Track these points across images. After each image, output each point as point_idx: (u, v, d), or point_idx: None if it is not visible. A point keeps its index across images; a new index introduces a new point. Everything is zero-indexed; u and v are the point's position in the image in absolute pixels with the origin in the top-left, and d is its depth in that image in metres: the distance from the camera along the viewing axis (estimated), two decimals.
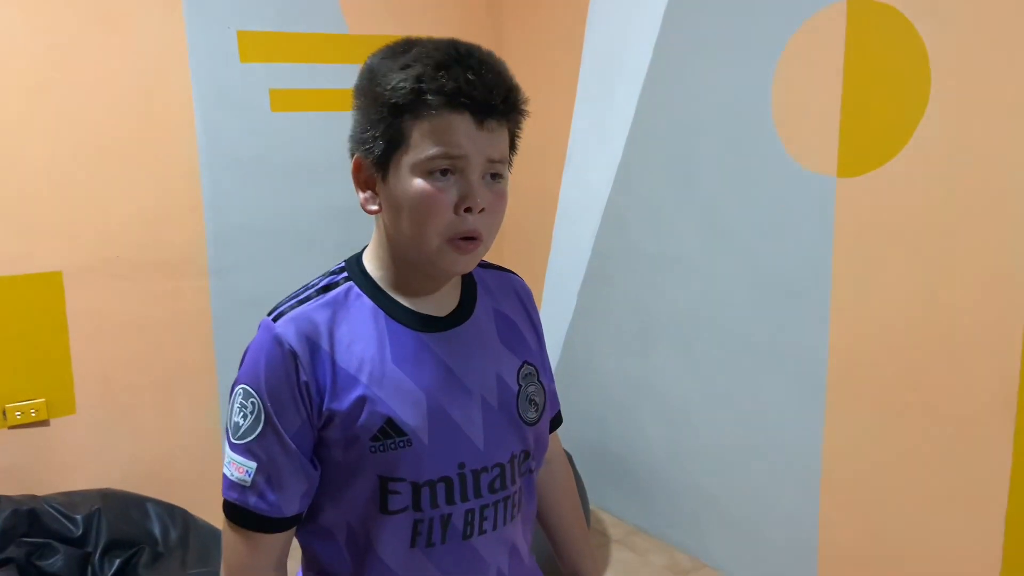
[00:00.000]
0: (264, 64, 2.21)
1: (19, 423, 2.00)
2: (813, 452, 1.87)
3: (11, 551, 1.78)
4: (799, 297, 1.85)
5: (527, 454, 0.98)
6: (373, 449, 0.86)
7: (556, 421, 1.12)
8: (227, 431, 0.89)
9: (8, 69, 1.92)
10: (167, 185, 2.13)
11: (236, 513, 0.88)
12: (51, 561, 1.81)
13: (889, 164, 1.66)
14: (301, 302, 0.89)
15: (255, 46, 2.19)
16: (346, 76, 2.34)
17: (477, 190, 0.85)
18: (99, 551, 1.87)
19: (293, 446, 0.86)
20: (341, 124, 2.39)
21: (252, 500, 0.87)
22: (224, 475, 0.89)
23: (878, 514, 1.78)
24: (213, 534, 2.00)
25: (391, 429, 0.87)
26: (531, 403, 0.98)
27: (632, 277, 2.27)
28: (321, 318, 0.88)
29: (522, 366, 0.99)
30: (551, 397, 1.05)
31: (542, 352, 1.05)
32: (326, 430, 0.87)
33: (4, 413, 1.99)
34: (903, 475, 1.73)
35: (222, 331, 2.24)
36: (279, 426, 0.86)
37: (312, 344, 0.86)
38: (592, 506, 2.46)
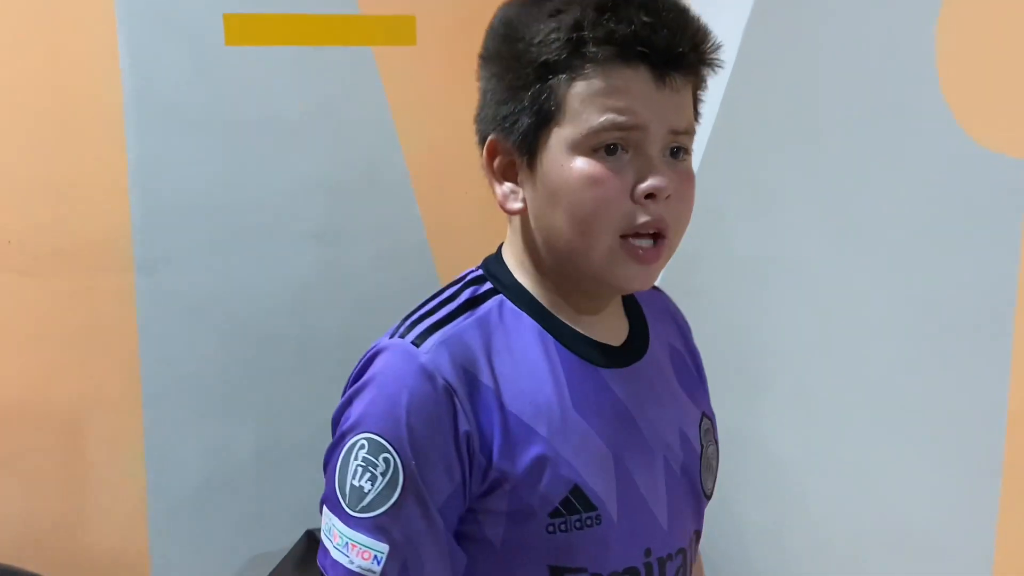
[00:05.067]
0: None
1: None
2: (982, 553, 1.69)
3: None
4: (968, 329, 1.68)
5: (698, 536, 0.99)
6: (552, 528, 0.83)
7: None
8: (338, 498, 0.83)
9: None
10: (77, 145, 2.07)
11: None
12: None
13: None
14: (445, 321, 0.86)
15: None
16: None
17: (660, 169, 0.83)
18: None
19: (440, 522, 0.82)
20: (325, 64, 2.03)
21: None
22: (335, 562, 0.82)
23: None
24: None
25: (577, 501, 0.85)
26: (709, 469, 1.00)
27: (729, 291, 2.11)
28: (476, 342, 0.86)
29: (702, 419, 1.00)
30: None
31: (708, 397, 1.06)
32: (487, 499, 0.84)
33: None
34: None
35: (151, 347, 2.12)
36: (425, 493, 0.81)
37: (470, 379, 0.83)
38: None
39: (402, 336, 0.85)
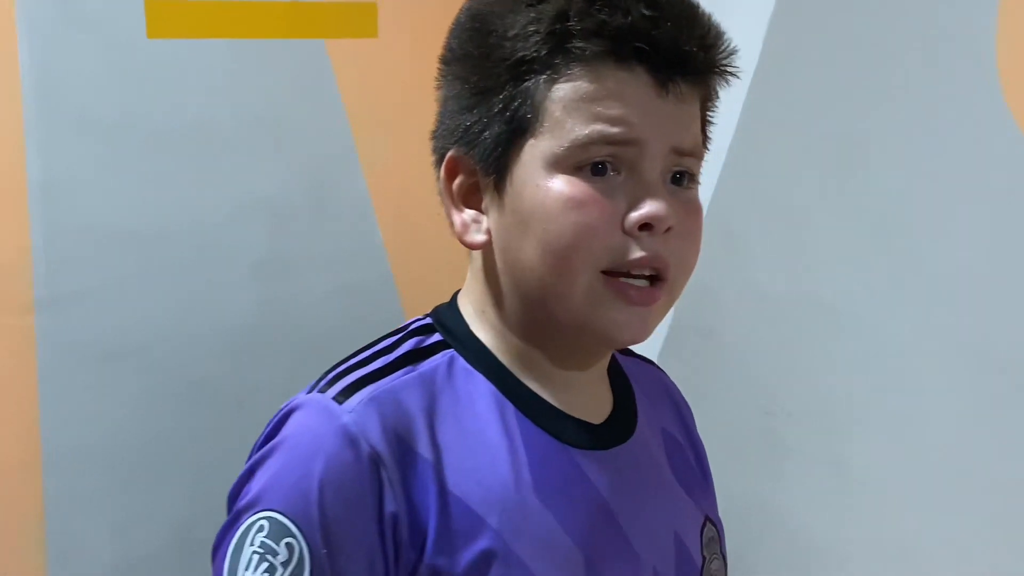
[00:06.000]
0: None
1: None
2: None
3: None
4: None
5: None
6: None
7: None
8: None
9: None
10: None
11: None
12: None
13: None
14: (378, 374, 0.81)
15: None
16: None
17: (659, 195, 0.78)
18: None
19: None
20: (269, 60, 2.33)
21: None
22: None
23: None
24: None
25: None
26: None
27: (749, 333, 2.11)
28: (415, 404, 0.80)
29: (705, 525, 0.94)
30: None
31: (714, 500, 1.00)
32: None
33: None
34: None
35: (54, 402, 1.98)
36: None
37: (404, 448, 0.78)
38: None
39: (321, 391, 0.79)
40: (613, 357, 0.95)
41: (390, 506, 0.75)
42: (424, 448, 0.78)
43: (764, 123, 2.03)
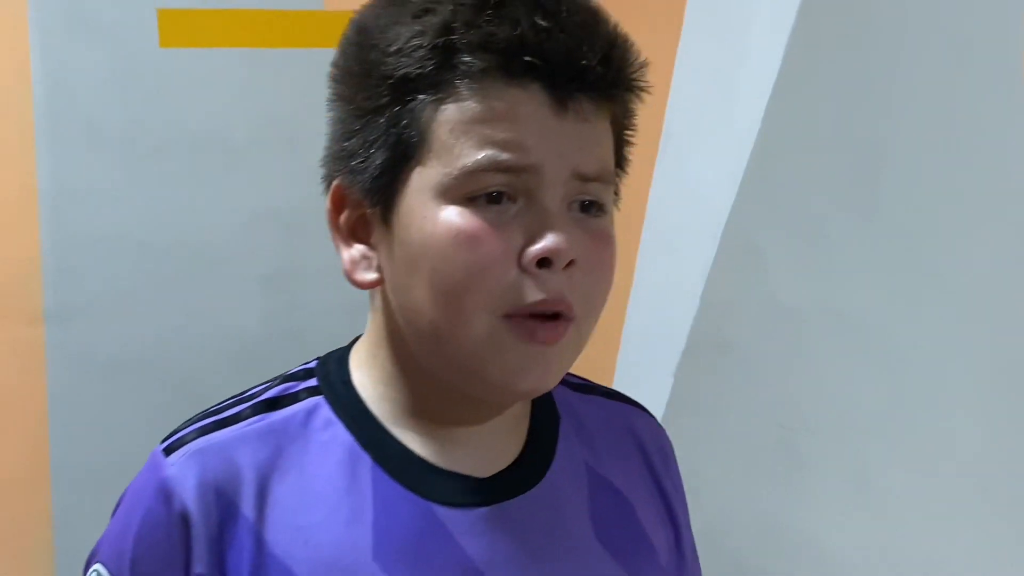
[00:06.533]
0: None
1: None
2: None
3: None
4: None
5: None
6: None
7: None
8: None
9: None
10: None
11: None
12: None
13: None
14: (222, 423, 0.78)
15: None
16: None
17: (560, 225, 0.72)
18: None
19: None
20: (282, 70, 2.29)
21: None
22: None
23: None
24: None
25: None
26: None
27: (769, 347, 2.04)
28: (249, 457, 0.76)
29: None
30: None
31: (681, 562, 0.91)
32: None
33: None
34: None
35: (64, 416, 1.99)
36: None
37: (224, 505, 0.74)
38: None
39: (162, 441, 0.77)
40: (551, 398, 0.89)
41: (197, 567, 0.73)
42: (248, 507, 0.75)
43: (784, 135, 2.03)
